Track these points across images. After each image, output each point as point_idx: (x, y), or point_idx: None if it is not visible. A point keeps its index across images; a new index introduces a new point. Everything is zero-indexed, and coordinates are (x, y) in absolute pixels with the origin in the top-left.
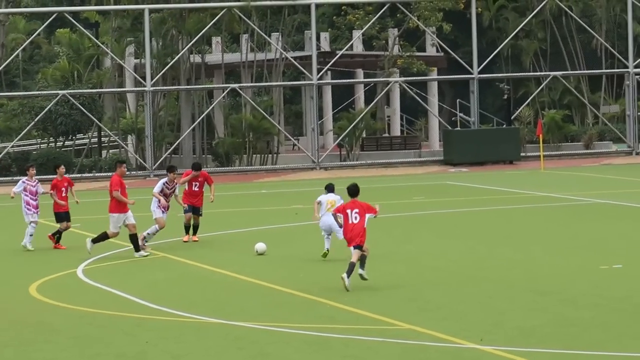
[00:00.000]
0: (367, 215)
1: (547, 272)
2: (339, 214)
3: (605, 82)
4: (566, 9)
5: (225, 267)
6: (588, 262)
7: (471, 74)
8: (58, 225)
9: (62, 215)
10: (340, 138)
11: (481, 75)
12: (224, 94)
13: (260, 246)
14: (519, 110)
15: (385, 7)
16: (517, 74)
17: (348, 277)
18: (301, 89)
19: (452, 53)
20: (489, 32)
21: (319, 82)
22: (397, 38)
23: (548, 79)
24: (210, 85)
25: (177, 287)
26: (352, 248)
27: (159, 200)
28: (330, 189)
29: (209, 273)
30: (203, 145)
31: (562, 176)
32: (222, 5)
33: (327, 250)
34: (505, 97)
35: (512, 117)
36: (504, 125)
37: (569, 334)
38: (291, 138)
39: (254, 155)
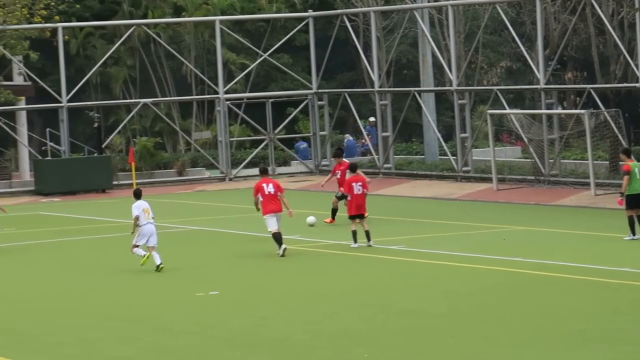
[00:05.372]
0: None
1: (141, 301)
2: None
3: (197, 108)
4: (154, 35)
5: None
6: (184, 290)
7: (60, 102)
8: None
9: None
10: None
11: (70, 104)
12: None
13: (311, 219)
14: (110, 138)
15: None
16: (107, 101)
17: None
18: None
19: (40, 82)
20: (77, 59)
21: None
22: None
23: (138, 106)
24: None
25: None
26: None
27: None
28: (137, 194)
29: None
30: None
31: (156, 204)
32: None
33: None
34: (96, 125)
35: (103, 145)
36: (95, 154)
37: None
38: None
39: None
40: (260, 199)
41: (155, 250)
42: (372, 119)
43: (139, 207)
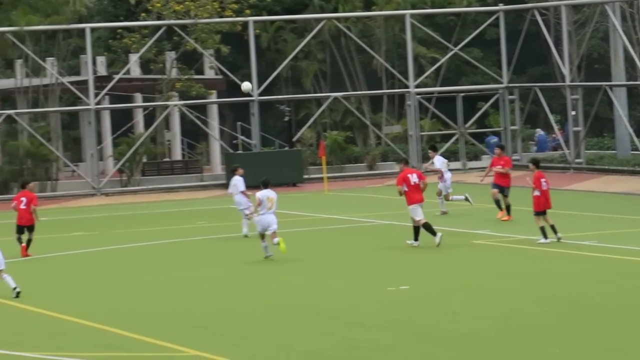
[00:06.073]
0: None
1: (333, 295)
2: None
3: (387, 102)
4: (345, 29)
5: (5, 297)
6: (375, 284)
7: (251, 96)
8: None
9: None
10: (120, 163)
11: (261, 98)
12: None
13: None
14: (301, 132)
15: (161, 30)
16: (298, 95)
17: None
18: (79, 114)
19: (231, 75)
20: (267, 53)
21: (96, 107)
22: (175, 61)
23: (329, 100)
24: None
25: None
26: None
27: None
28: (265, 184)
29: None
30: None
31: (346, 197)
32: None
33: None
34: (287, 119)
35: (294, 139)
36: (286, 148)
37: (355, 357)
38: (70, 164)
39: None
40: (405, 189)
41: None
42: (573, 112)
43: (264, 195)
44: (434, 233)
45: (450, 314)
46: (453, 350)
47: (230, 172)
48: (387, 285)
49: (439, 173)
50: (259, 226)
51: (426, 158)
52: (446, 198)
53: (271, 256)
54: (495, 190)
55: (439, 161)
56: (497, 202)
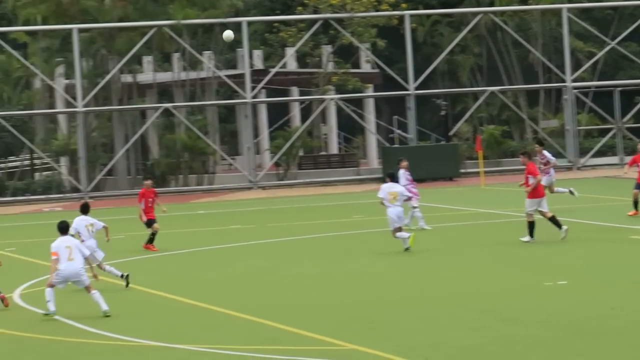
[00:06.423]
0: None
1: (490, 290)
2: None
3: (544, 96)
4: (501, 23)
5: (163, 289)
6: (532, 279)
7: (407, 90)
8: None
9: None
10: (277, 157)
11: (417, 92)
12: (157, 114)
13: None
14: (457, 126)
15: (317, 24)
16: (454, 89)
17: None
18: (235, 108)
19: (388, 69)
20: (423, 47)
21: (253, 100)
22: (331, 55)
23: (485, 95)
24: (143, 105)
25: (116, 310)
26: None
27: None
28: (391, 176)
29: (147, 296)
30: (138, 166)
31: (503, 192)
32: (152, 24)
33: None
34: (443, 113)
35: (451, 133)
36: (443, 142)
37: (513, 352)
38: (227, 157)
39: (190, 176)
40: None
41: (404, 229)
42: None
43: (386, 189)
44: (531, 234)
45: (609, 309)
46: (612, 345)
47: (395, 165)
48: (544, 280)
49: (548, 167)
50: (390, 220)
51: (583, 152)
52: (550, 190)
53: (409, 248)
54: (637, 191)
55: (550, 156)
56: (636, 203)
